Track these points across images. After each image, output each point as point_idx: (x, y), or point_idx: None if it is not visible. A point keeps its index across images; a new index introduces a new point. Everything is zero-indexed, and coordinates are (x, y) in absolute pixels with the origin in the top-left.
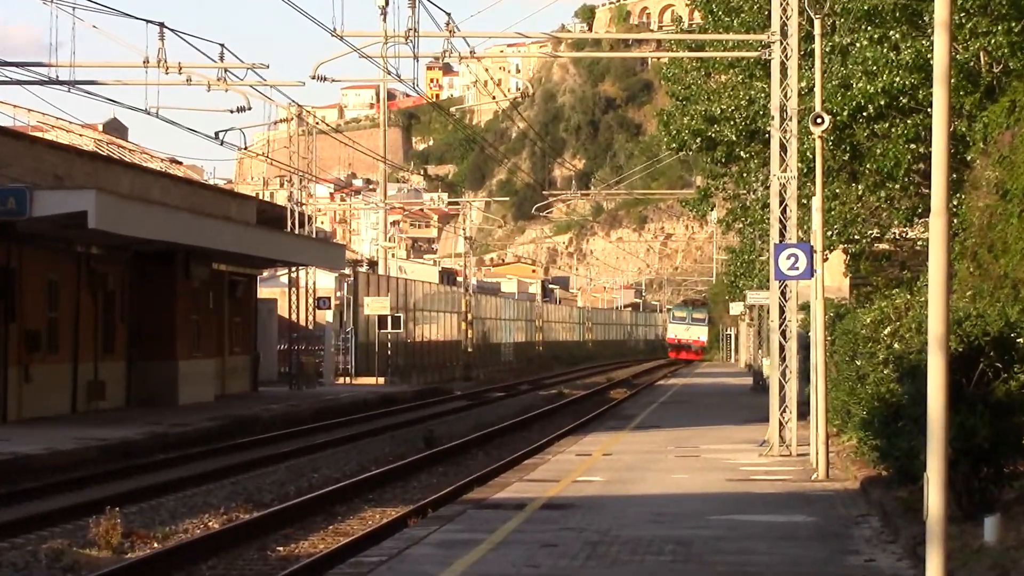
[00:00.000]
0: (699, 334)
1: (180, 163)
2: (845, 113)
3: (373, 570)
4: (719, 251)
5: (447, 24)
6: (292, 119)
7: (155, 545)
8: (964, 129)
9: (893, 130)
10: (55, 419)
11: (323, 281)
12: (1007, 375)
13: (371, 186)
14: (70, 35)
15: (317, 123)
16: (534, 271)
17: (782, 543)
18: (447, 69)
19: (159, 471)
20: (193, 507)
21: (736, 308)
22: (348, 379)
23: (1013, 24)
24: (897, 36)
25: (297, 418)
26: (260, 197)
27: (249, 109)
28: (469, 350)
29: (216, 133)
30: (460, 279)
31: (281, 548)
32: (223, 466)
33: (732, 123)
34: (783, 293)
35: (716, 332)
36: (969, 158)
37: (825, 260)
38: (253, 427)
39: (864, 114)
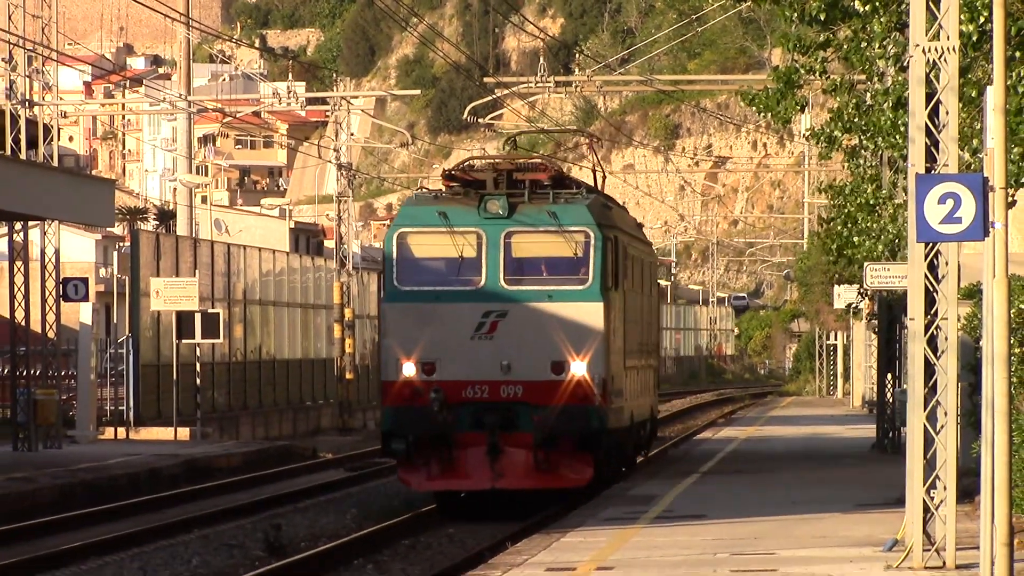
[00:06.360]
0: (553, 333)
1: None
2: None
3: None
4: (814, 190)
5: None
6: None
7: None
8: None
9: None
10: None
11: (75, 249)
12: None
13: (162, 70)
14: None
15: None
16: None
17: None
18: None
19: None
20: None
21: (845, 296)
22: (123, 431)
23: None
24: None
25: (29, 504)
26: None
27: None
28: (348, 376)
29: None
30: (331, 243)
31: None
32: None
33: None
34: (932, 268)
35: (807, 343)
36: None
37: (1011, 204)
38: None
39: None
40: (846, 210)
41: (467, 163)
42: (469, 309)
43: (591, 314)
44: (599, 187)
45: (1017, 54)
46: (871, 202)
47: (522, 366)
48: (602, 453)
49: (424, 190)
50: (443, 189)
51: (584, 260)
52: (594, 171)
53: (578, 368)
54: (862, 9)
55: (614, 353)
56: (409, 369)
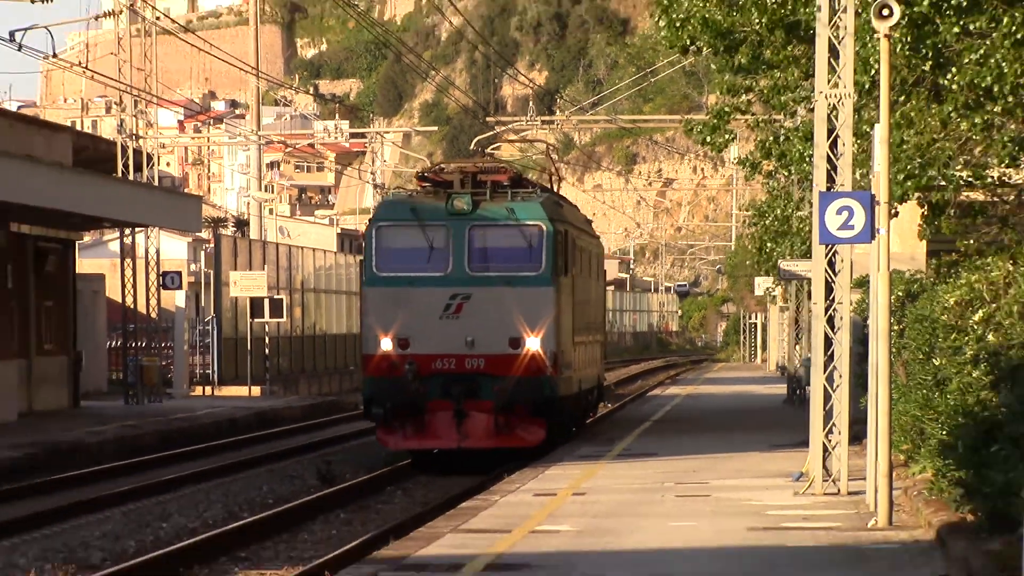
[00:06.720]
0: (510, 313)
1: None
2: (925, 2)
3: None
4: (741, 204)
5: None
6: (122, 12)
7: None
8: None
9: (995, 27)
10: None
11: (171, 249)
12: None
13: (238, 111)
14: None
15: (159, 18)
16: None
17: None
18: None
19: None
20: None
21: (763, 285)
22: (209, 389)
23: None
24: None
25: (137, 445)
26: (78, 127)
27: None
28: None
29: (11, 33)
30: None
31: None
32: (33, 512)
33: (762, 9)
34: (831, 264)
35: (734, 321)
36: None
37: (893, 215)
38: (74, 458)
39: (952, 2)
40: (764, 222)
41: (438, 166)
42: (438, 292)
43: (543, 297)
44: (556, 189)
45: (900, 98)
46: (783, 215)
47: (484, 342)
48: (554, 417)
49: (400, 190)
50: (417, 189)
51: (537, 250)
52: (550, 175)
53: (532, 343)
54: (779, 62)
55: (564, 330)
56: (387, 344)
